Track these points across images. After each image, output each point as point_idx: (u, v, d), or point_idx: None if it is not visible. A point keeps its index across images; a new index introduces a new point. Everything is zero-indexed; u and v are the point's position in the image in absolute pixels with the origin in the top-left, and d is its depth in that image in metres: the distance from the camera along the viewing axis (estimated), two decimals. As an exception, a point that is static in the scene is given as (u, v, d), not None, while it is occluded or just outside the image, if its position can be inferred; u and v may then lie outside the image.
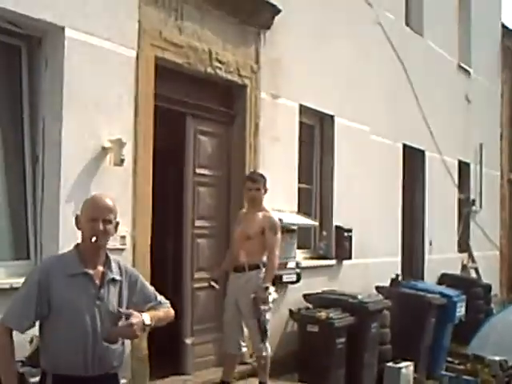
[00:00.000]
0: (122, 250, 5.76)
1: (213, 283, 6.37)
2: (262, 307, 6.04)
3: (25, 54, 5.33)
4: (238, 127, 7.39)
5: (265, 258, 6.26)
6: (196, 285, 6.87)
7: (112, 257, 3.54)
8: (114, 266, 3.49)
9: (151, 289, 3.63)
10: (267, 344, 6.21)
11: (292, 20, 7.92)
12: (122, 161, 5.59)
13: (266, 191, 6.40)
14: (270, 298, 6.14)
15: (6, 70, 5.29)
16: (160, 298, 3.63)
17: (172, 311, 3.67)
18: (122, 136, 5.62)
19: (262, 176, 6.47)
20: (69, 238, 4.50)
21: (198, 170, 6.99)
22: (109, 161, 5.60)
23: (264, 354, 6.20)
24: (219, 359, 6.93)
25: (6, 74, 5.29)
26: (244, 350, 6.36)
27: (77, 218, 3.47)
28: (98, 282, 3.41)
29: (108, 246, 5.33)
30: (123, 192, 5.77)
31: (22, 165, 5.32)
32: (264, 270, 6.19)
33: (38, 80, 5.34)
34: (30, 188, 5.31)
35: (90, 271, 3.41)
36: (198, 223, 6.93)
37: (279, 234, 6.34)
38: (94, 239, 3.38)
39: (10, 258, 5.21)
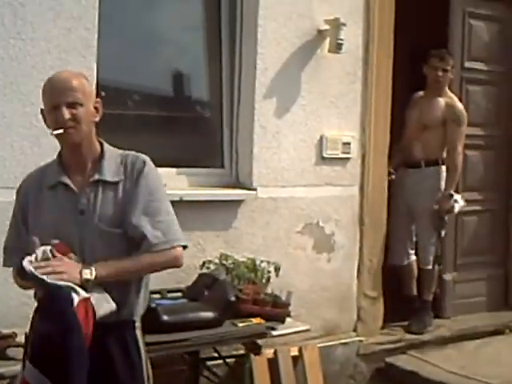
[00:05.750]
0: (347, 159, 4.69)
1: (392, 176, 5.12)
2: (446, 219, 5.03)
3: None
4: (527, 8, 5.69)
5: (445, 155, 5.09)
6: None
7: (112, 151, 2.53)
8: (109, 163, 2.48)
9: (151, 208, 2.44)
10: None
11: None
12: (340, 46, 4.43)
13: (452, 75, 5.13)
14: (457, 208, 4.99)
15: None
16: (153, 233, 2.42)
17: (169, 256, 2.45)
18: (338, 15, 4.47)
19: (450, 54, 5.14)
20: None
21: (469, 64, 5.51)
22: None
23: (435, 267, 5.15)
24: (488, 302, 5.59)
25: None
26: (413, 258, 5.20)
27: (42, 112, 2.48)
28: (77, 189, 2.44)
29: (324, 155, 4.60)
30: (346, 83, 4.66)
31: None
32: (444, 169, 5.04)
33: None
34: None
35: (67, 180, 2.46)
36: (466, 131, 5.47)
37: (464, 127, 5.10)
38: (58, 131, 2.39)
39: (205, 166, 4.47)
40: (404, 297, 5.20)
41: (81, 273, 2.29)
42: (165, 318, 3.36)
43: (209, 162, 4.47)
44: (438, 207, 4.99)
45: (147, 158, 2.55)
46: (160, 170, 4.05)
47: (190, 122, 4.49)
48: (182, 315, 3.45)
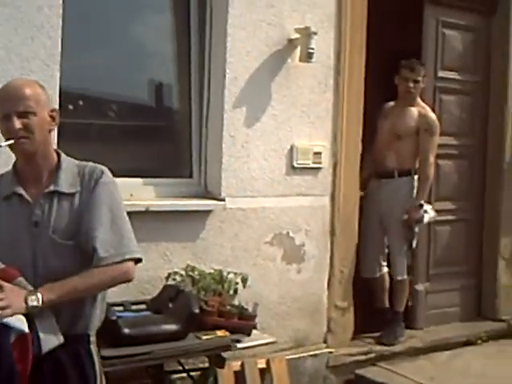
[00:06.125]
0: (318, 169, 4.65)
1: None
2: (416, 229, 4.97)
3: None
4: (501, 18, 5.67)
5: (418, 165, 5.04)
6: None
7: (69, 161, 2.48)
8: (65, 174, 2.42)
9: (104, 218, 2.37)
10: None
11: None
12: (310, 55, 4.40)
13: (423, 85, 5.09)
14: (426, 219, 4.96)
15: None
16: (104, 246, 2.35)
17: (119, 270, 2.38)
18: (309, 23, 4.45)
19: (421, 65, 5.08)
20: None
21: (442, 74, 5.50)
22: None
23: (403, 277, 5.10)
24: (461, 312, 5.57)
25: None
26: (385, 270, 5.14)
27: None
28: (31, 200, 2.39)
29: (295, 165, 4.56)
30: (318, 92, 4.63)
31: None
32: (416, 179, 5.00)
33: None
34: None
35: (21, 190, 2.41)
36: (439, 140, 5.44)
37: (437, 137, 5.05)
38: (8, 142, 2.34)
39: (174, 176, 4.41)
40: (376, 309, 5.16)
41: (26, 301, 2.22)
42: (126, 331, 3.30)
43: (177, 172, 4.42)
44: (407, 217, 4.96)
45: (105, 169, 2.50)
46: (126, 180, 4.15)
47: (159, 131, 4.43)
48: (144, 328, 3.40)
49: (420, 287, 5.41)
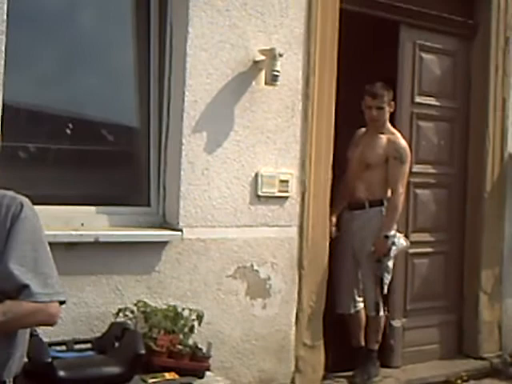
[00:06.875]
0: (284, 198, 4.40)
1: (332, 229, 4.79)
2: (385, 262, 4.65)
3: None
4: (480, 42, 5.48)
5: (389, 194, 4.75)
6: (413, 250, 5.15)
7: None
8: None
9: (27, 259, 2.17)
10: (381, 304, 4.78)
11: None
12: (276, 77, 4.17)
13: (391, 109, 4.80)
14: (394, 251, 4.64)
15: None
16: (30, 284, 2.15)
17: (44, 312, 2.18)
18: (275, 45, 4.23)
19: (385, 89, 4.77)
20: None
21: (419, 99, 5.28)
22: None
23: (379, 314, 4.79)
24: (441, 350, 5.30)
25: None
26: (360, 306, 4.85)
27: None
28: None
29: (259, 193, 4.30)
30: (285, 118, 4.39)
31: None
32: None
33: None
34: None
35: None
36: (416, 169, 5.20)
37: (407, 165, 4.76)
38: None
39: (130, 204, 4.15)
40: (351, 347, 4.87)
41: None
42: (61, 373, 3.05)
43: (135, 200, 4.16)
44: (374, 250, 4.69)
45: (25, 201, 2.27)
46: (77, 208, 3.90)
47: (114, 155, 4.19)
48: (82, 370, 3.15)
49: (397, 323, 5.13)
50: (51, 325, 2.27)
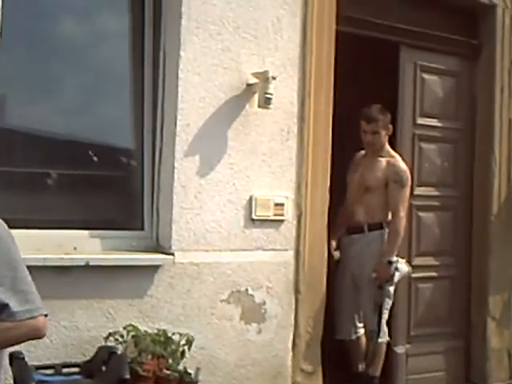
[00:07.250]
0: (280, 221, 4.35)
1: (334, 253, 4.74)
2: (386, 288, 4.56)
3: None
4: (485, 62, 5.42)
5: (390, 217, 4.67)
6: (416, 274, 5.07)
7: None
8: None
9: (5, 279, 2.16)
10: (384, 329, 4.66)
11: None
12: (268, 100, 4.15)
13: (388, 132, 4.70)
14: (397, 277, 4.54)
15: None
16: (12, 300, 2.15)
17: (30, 326, 2.18)
18: (269, 68, 4.21)
19: (381, 113, 4.68)
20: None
21: (421, 121, 5.22)
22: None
23: (379, 340, 4.66)
24: (447, 377, 5.16)
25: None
26: (361, 332, 4.75)
27: None
28: None
29: (254, 217, 4.27)
30: (280, 141, 4.35)
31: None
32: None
33: None
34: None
35: None
36: (418, 191, 5.15)
37: (407, 189, 4.67)
38: None
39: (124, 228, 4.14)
40: (351, 373, 4.77)
41: None
42: (44, 398, 3.01)
43: (128, 224, 4.15)
44: (376, 276, 4.60)
45: (0, 221, 2.26)
46: (70, 232, 3.90)
47: (108, 180, 4.20)
48: (66, 395, 3.11)
49: (400, 349, 5.02)
50: (40, 338, 2.26)
